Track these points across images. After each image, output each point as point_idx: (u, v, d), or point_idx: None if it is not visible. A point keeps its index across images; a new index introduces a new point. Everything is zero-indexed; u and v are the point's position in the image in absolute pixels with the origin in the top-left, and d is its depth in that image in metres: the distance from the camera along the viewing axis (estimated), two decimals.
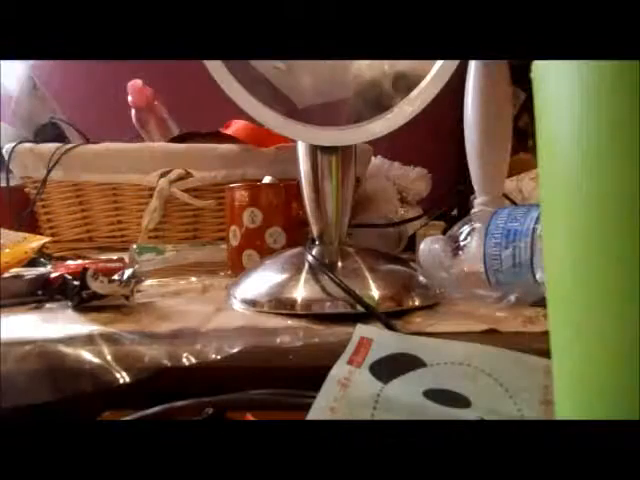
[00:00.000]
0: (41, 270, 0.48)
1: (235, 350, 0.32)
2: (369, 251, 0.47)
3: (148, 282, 0.53)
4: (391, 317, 0.36)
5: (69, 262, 0.54)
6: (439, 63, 0.40)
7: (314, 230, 0.46)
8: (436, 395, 0.26)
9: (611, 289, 0.14)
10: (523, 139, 1.01)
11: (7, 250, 0.51)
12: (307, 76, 0.42)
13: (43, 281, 0.45)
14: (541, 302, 0.40)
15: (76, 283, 0.41)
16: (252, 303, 0.41)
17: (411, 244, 0.74)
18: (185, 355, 0.31)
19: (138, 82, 0.78)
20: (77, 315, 0.40)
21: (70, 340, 0.33)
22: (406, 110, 0.41)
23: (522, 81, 0.32)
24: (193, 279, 0.56)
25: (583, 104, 0.14)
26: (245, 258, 0.57)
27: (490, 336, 0.35)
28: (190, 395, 0.29)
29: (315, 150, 0.43)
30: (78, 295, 0.40)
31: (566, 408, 0.16)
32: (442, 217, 0.78)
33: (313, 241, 0.46)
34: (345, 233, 0.46)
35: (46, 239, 0.57)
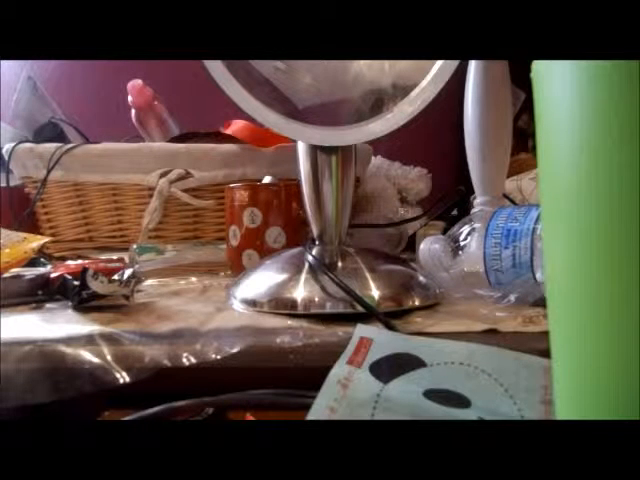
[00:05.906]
0: (41, 270, 0.48)
1: (235, 350, 0.32)
2: (369, 251, 0.47)
3: (148, 282, 0.53)
4: (391, 317, 0.36)
5: (69, 262, 0.54)
6: (439, 63, 0.40)
7: (314, 230, 0.46)
8: (436, 395, 0.26)
9: (611, 289, 0.14)
10: (523, 139, 1.01)
11: (7, 250, 0.51)
12: (307, 76, 0.42)
13: (43, 281, 0.45)
14: (541, 302, 0.40)
15: (76, 283, 0.41)
16: (252, 303, 0.41)
17: (411, 244, 0.74)
18: (185, 355, 0.31)
19: (138, 82, 0.78)
20: (77, 315, 0.40)
21: (70, 340, 0.33)
22: (406, 110, 0.41)
23: (522, 81, 0.32)
24: (193, 279, 0.56)
25: (583, 104, 0.14)
26: (245, 258, 0.57)
27: (490, 336, 0.35)
28: (190, 395, 0.29)
29: (315, 150, 0.43)
30: (78, 295, 0.40)
31: (566, 408, 0.16)
32: (442, 217, 0.78)
33: (313, 241, 0.46)
34: (345, 233, 0.46)
35: (46, 239, 0.57)
